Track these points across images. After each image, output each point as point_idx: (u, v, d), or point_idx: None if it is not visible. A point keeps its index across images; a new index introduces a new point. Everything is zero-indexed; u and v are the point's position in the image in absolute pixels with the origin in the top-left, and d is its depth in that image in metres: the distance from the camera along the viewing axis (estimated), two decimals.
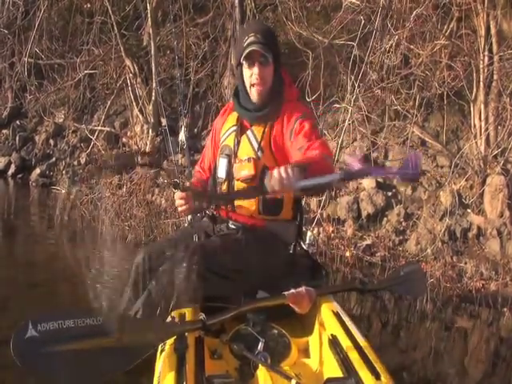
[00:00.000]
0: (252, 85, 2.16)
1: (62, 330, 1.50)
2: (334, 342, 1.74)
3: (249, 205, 2.17)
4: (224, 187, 2.24)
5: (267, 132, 2.15)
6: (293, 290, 1.92)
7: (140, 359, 1.62)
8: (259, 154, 2.14)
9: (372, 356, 1.60)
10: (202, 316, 1.78)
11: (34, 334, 1.47)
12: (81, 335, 1.53)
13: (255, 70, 2.13)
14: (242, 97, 2.24)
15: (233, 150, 2.22)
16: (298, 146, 1.99)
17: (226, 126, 2.33)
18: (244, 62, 2.15)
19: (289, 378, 1.59)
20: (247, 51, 2.11)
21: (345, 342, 1.71)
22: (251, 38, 2.12)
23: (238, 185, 2.18)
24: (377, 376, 1.49)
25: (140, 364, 1.61)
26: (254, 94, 2.18)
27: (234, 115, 2.30)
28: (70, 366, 1.51)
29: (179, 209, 2.28)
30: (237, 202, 2.20)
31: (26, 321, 1.49)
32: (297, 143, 2.02)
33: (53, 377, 1.52)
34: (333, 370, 1.67)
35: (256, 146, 2.15)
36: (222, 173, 2.24)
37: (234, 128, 2.26)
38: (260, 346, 1.79)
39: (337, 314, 1.89)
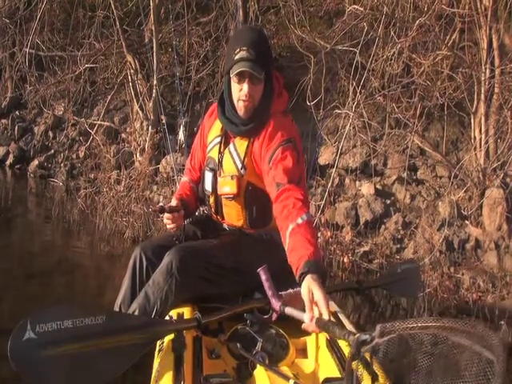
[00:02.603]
0: (239, 100, 2.06)
1: (60, 330, 1.46)
2: (331, 342, 1.75)
3: (236, 219, 2.17)
4: (211, 201, 2.23)
5: (250, 148, 2.09)
6: (290, 290, 1.91)
7: (137, 359, 1.59)
8: (242, 171, 2.10)
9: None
10: (197, 314, 1.76)
11: (32, 336, 1.41)
12: (79, 337, 1.48)
13: (245, 87, 2.02)
14: (227, 106, 2.14)
15: (217, 163, 2.18)
16: (277, 179, 1.92)
17: (212, 132, 2.27)
18: (233, 76, 2.03)
19: (287, 378, 1.58)
20: (238, 70, 1.98)
21: (342, 342, 1.70)
22: (243, 53, 1.97)
23: (224, 200, 2.17)
24: (374, 376, 1.48)
25: (138, 363, 1.60)
26: (240, 108, 2.08)
27: (220, 122, 2.23)
28: (69, 369, 1.47)
29: (168, 227, 2.27)
30: (225, 215, 2.20)
31: (24, 321, 1.43)
32: (275, 174, 1.94)
33: (50, 381, 1.47)
34: (330, 369, 1.67)
35: (239, 163, 2.10)
36: (208, 186, 2.22)
37: (218, 139, 2.20)
38: (258, 345, 1.79)
39: (334, 314, 1.89)
